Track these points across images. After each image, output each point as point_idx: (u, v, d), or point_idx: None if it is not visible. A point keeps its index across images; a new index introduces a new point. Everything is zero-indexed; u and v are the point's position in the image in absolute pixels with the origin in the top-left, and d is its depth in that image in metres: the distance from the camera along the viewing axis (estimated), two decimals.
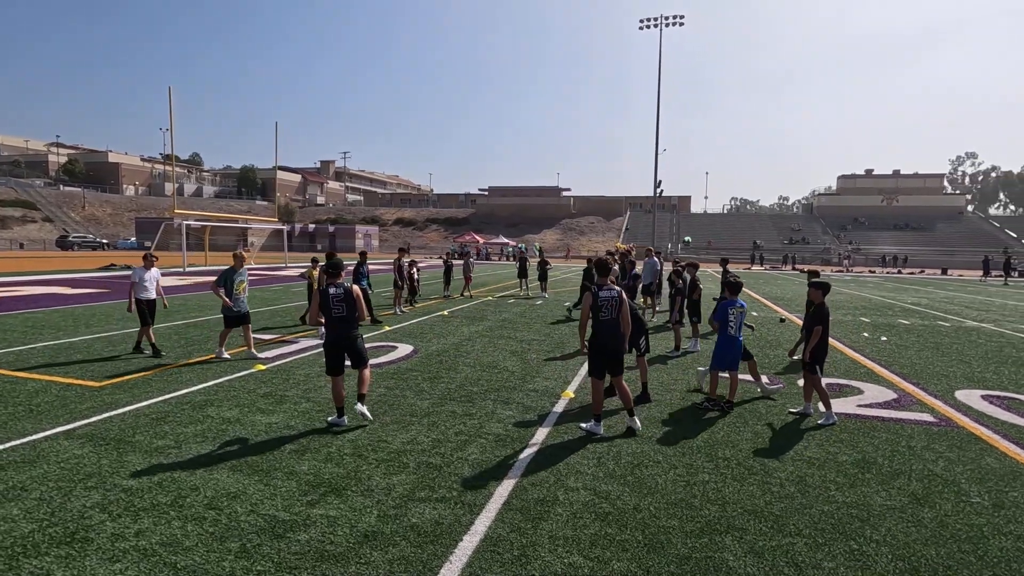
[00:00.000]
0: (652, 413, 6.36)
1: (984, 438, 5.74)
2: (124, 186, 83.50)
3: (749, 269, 47.70)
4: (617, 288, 5.79)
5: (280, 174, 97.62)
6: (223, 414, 5.97)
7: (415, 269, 15.65)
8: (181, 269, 26.78)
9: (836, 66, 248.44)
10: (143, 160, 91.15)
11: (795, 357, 9.09)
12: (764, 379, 7.46)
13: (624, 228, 76.98)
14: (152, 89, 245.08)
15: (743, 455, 5.15)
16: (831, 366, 8.87)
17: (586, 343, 5.78)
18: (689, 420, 6.15)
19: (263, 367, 8.08)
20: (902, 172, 78.48)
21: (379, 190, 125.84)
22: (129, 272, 14.93)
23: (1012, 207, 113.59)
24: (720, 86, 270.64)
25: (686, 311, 10.51)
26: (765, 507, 4.14)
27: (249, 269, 30.13)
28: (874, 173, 79.06)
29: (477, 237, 62.08)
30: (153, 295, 8.86)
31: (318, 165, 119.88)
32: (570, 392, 7.14)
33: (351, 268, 10.86)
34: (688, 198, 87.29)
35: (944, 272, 46.80)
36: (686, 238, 70.72)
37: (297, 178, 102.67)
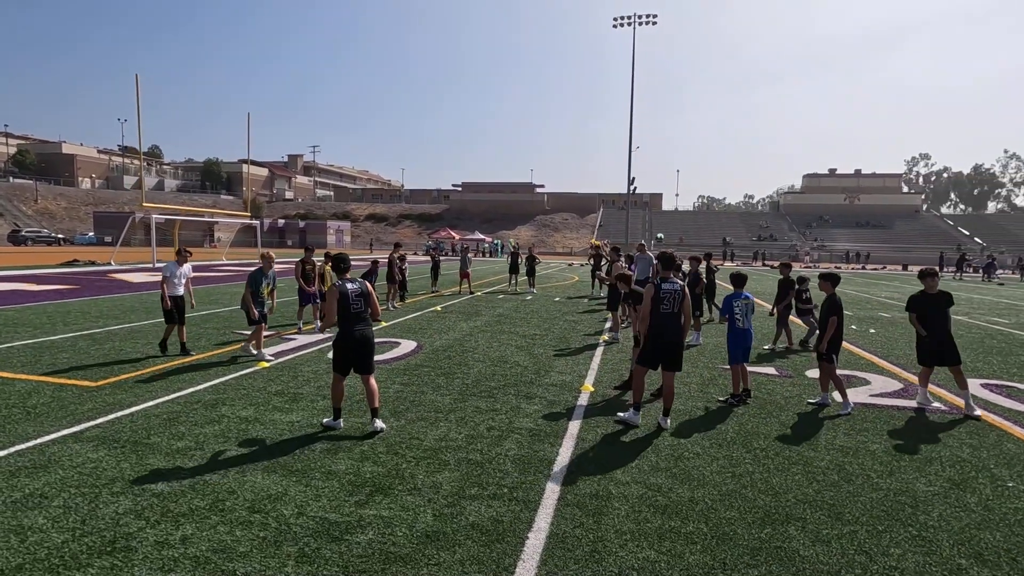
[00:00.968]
0: (673, 406, 6.36)
1: (997, 425, 5.93)
2: (79, 179, 79.73)
3: (722, 264, 48.71)
4: (680, 282, 5.76)
5: (246, 168, 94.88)
6: (238, 413, 5.70)
7: (405, 264, 15.40)
8: (150, 265, 25.70)
9: (799, 68, 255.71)
10: (100, 152, 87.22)
11: (803, 346, 9.27)
12: (773, 370, 7.56)
13: (598, 225, 77.58)
14: (107, 77, 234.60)
15: (778, 445, 5.19)
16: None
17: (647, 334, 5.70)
18: (711, 413, 6.18)
19: (267, 364, 7.78)
20: (863, 172, 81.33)
21: (349, 185, 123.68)
22: (105, 268, 14.24)
23: (962, 206, 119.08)
24: (690, 85, 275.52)
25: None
26: (816, 496, 4.17)
27: (221, 265, 29.24)
28: (837, 172, 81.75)
29: (452, 233, 61.63)
30: (182, 292, 8.36)
31: (285, 159, 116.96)
32: (589, 386, 7.09)
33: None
34: (660, 195, 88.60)
35: (905, 268, 48.72)
36: (659, 235, 71.75)
37: (264, 172, 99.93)
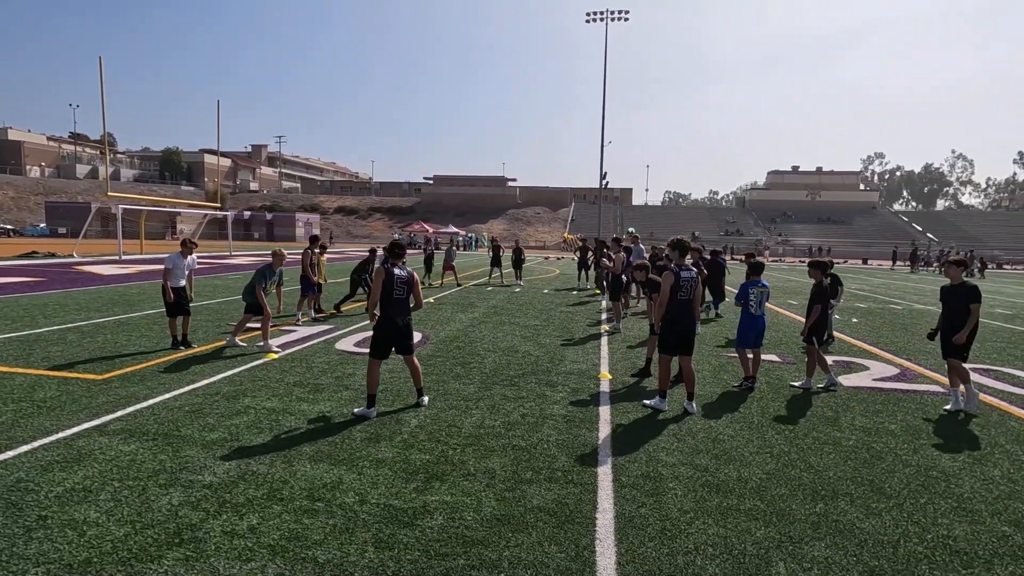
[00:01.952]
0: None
1: (996, 405, 6.29)
2: (27, 167, 75.60)
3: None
4: (695, 269, 5.88)
5: (208, 158, 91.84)
6: (264, 404, 5.57)
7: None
8: (116, 257, 24.64)
9: (762, 67, 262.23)
10: (49, 139, 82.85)
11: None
12: (775, 357, 7.81)
13: (570, 219, 78.13)
14: (57, 62, 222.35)
15: (804, 427, 5.38)
16: (833, 345, 9.43)
17: (661, 321, 5.82)
18: (729, 397, 6.35)
19: (275, 356, 7.60)
20: (824, 169, 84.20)
21: (317, 177, 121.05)
22: (68, 260, 13.68)
23: (913, 203, 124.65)
24: (660, 81, 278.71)
25: None
26: (854, 473, 4.35)
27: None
28: (800, 169, 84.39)
29: (426, 226, 61.08)
30: (183, 283, 8.05)
31: (249, 149, 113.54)
32: (607, 373, 7.18)
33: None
34: (630, 190, 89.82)
35: (865, 262, 50.81)
36: (630, 229, 72.56)
37: (227, 162, 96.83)
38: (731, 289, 11.45)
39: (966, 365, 6.09)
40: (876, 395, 6.59)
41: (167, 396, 5.72)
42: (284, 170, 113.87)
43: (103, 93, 24.17)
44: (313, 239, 10.79)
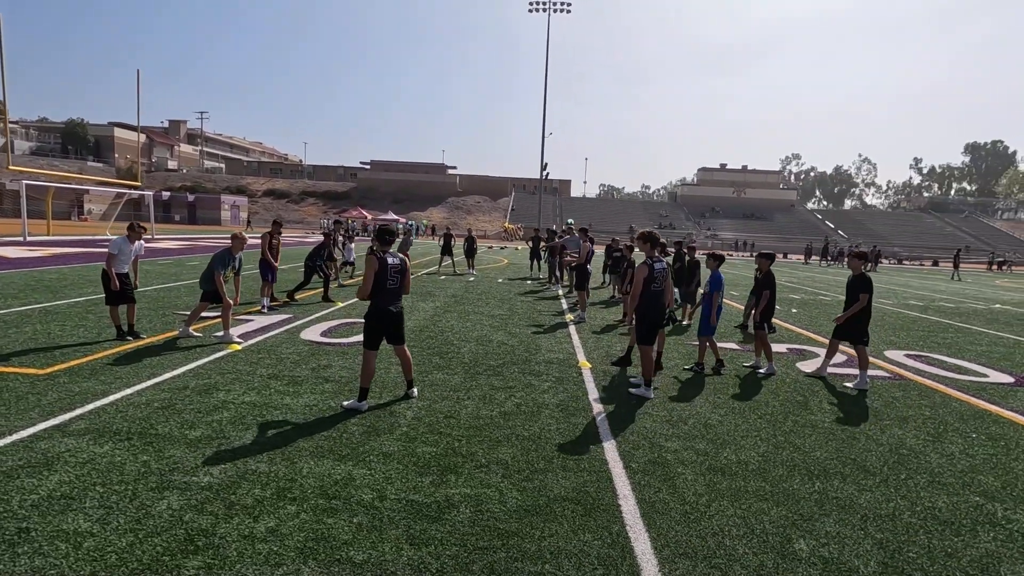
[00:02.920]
0: (668, 379, 6.74)
1: (935, 388, 6.94)
2: None
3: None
4: (666, 261, 6.03)
5: (119, 132, 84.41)
6: (241, 399, 5.22)
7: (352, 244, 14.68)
8: (21, 239, 22.20)
9: (692, 67, 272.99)
10: None
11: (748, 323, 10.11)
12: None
13: (510, 208, 78.36)
14: None
15: (780, 412, 5.70)
16: (780, 334, 10.04)
17: (634, 313, 5.95)
18: (698, 385, 6.62)
19: (238, 346, 7.14)
20: (749, 168, 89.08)
21: (243, 158, 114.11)
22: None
23: (824, 202, 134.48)
24: (598, 76, 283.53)
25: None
26: (838, 453, 4.66)
27: (107, 240, 25.79)
28: (727, 167, 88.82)
29: (365, 213, 59.26)
30: (126, 269, 7.34)
31: (166, 125, 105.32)
32: (585, 362, 7.29)
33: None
34: (568, 182, 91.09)
35: (785, 256, 54.36)
36: (569, 220, 73.87)
37: (141, 138, 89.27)
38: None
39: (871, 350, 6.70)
40: (833, 380, 7.08)
41: (129, 391, 5.24)
42: (206, 148, 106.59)
43: (2, 56, 21.48)
44: (276, 223, 10.18)
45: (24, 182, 22.39)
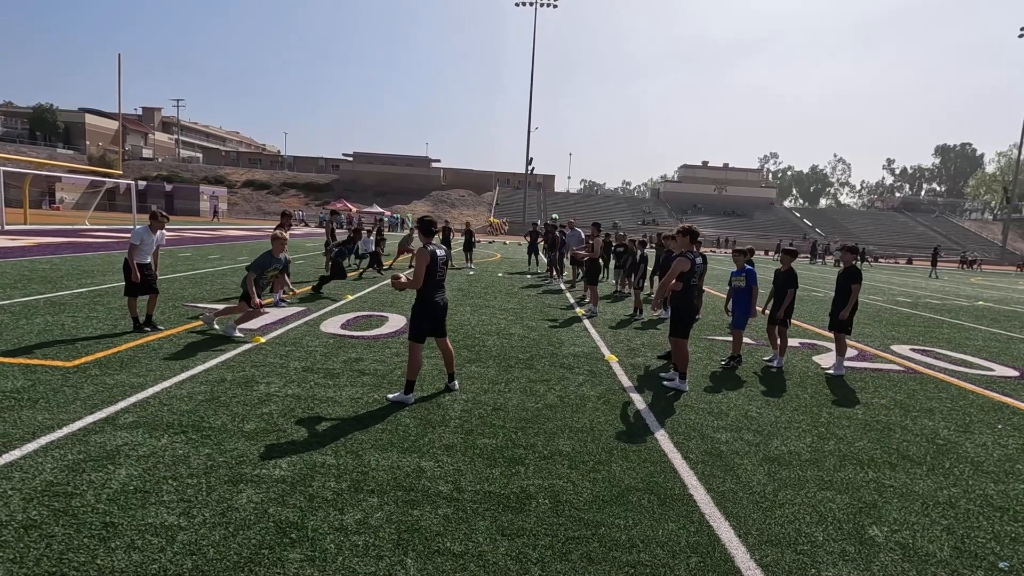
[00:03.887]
0: (695, 372, 6.85)
1: (948, 381, 7.17)
2: None
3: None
4: (703, 255, 6.11)
5: (91, 118, 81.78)
6: (284, 391, 5.15)
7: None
8: None
9: (673, 65, 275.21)
10: None
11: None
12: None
13: (495, 203, 78.22)
14: None
15: (813, 404, 5.84)
16: (790, 330, 10.25)
17: (665, 305, 6.02)
18: (719, 378, 6.74)
19: (262, 339, 7.02)
20: (731, 166, 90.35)
21: (220, 147, 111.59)
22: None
23: (801, 201, 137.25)
24: (582, 72, 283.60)
25: (640, 280, 11.29)
26: (879, 443, 4.80)
27: (86, 230, 25.06)
28: (709, 165, 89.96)
29: (349, 205, 58.50)
30: (148, 260, 7.15)
31: (139, 112, 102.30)
32: (612, 356, 7.35)
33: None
34: (552, 177, 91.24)
35: (766, 253, 55.38)
36: (553, 215, 74.03)
37: (113, 124, 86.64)
38: None
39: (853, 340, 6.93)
40: (853, 374, 7.27)
41: (167, 384, 5.12)
42: (182, 137, 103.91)
43: None
44: (285, 214, 10.00)
45: (3, 168, 21.55)
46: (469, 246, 18.95)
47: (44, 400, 4.55)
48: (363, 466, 3.77)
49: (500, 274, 17.46)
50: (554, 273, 16.48)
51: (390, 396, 5.14)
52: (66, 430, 4.02)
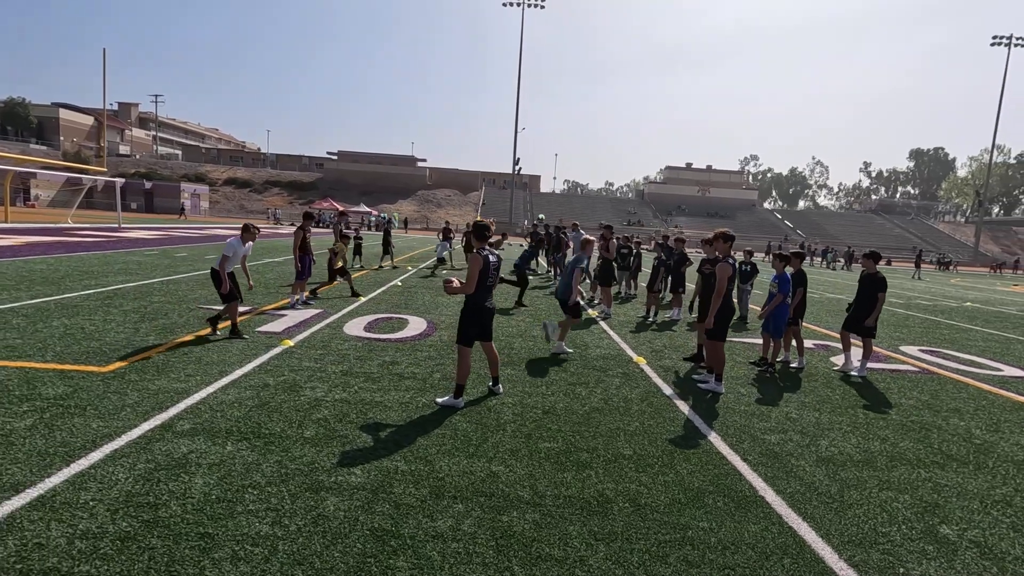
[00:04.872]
0: (726, 373, 6.95)
1: (964, 381, 7.40)
2: None
3: None
4: (738, 261, 6.21)
5: (65, 113, 79.60)
6: (331, 396, 5.10)
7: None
8: None
9: (657, 66, 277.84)
10: None
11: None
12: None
13: (481, 203, 78.08)
14: None
15: (846, 406, 5.98)
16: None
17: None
18: (750, 381, 6.86)
19: (291, 343, 6.94)
20: (714, 167, 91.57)
21: (200, 144, 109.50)
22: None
23: (780, 202, 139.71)
24: (567, 73, 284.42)
25: (664, 282, 11.40)
26: (923, 444, 4.94)
27: (71, 229, 24.36)
28: (693, 166, 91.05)
29: (336, 204, 57.84)
30: (231, 269, 7.11)
31: (115, 107, 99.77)
32: (640, 358, 7.42)
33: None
34: (538, 177, 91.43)
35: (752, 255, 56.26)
36: (540, 215, 74.22)
37: (89, 120, 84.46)
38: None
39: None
40: (872, 375, 7.45)
41: (211, 390, 5.04)
42: (160, 134, 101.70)
43: None
44: (308, 216, 9.85)
45: None
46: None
47: (92, 407, 4.44)
48: (436, 472, 3.76)
49: (502, 275, 17.44)
50: (557, 275, 16.54)
51: (439, 400, 5.13)
52: (126, 438, 3.93)
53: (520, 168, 70.41)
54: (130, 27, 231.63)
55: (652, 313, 10.70)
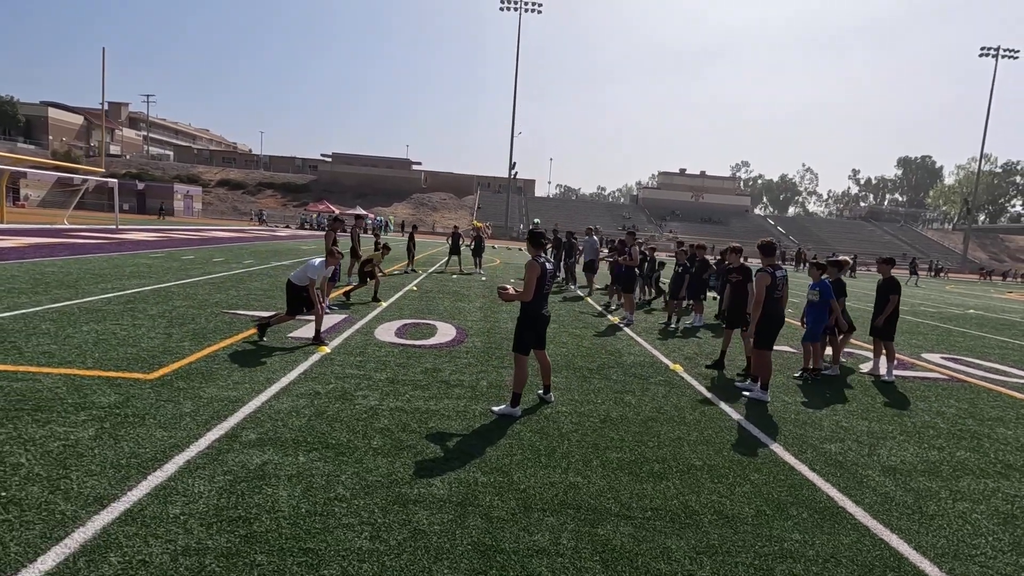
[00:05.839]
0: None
1: (994, 389, 7.47)
2: None
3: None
4: (785, 268, 6.24)
5: (54, 112, 78.55)
6: (386, 405, 5.03)
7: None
8: None
9: (650, 72, 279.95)
10: None
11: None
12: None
13: (476, 206, 78.05)
14: None
15: (890, 415, 6.00)
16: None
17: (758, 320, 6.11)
18: (789, 389, 6.88)
19: (327, 349, 6.85)
20: (707, 173, 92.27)
21: (192, 145, 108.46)
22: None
23: (771, 208, 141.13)
24: (563, 77, 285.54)
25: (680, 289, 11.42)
26: (977, 452, 4.97)
27: (68, 230, 23.95)
28: (686, 172, 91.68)
29: (332, 207, 57.51)
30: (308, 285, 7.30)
31: (105, 106, 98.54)
32: (677, 365, 7.41)
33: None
34: (533, 181, 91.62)
35: (745, 260, 56.68)
36: (535, 220, 74.38)
37: (78, 119, 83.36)
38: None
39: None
40: (903, 382, 7.51)
41: (264, 398, 4.95)
42: (151, 134, 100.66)
43: None
44: (338, 219, 9.76)
45: None
46: (479, 251, 18.87)
47: (150, 416, 4.34)
48: (515, 484, 3.71)
49: (513, 280, 17.43)
50: (569, 280, 16.52)
51: (496, 409, 5.08)
52: (194, 448, 3.84)
53: (516, 172, 70.53)
54: (115, 26, 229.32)
55: (675, 320, 10.72)
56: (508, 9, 65.61)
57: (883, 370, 7.64)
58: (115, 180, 30.81)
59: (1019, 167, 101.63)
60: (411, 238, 18.16)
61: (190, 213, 62.56)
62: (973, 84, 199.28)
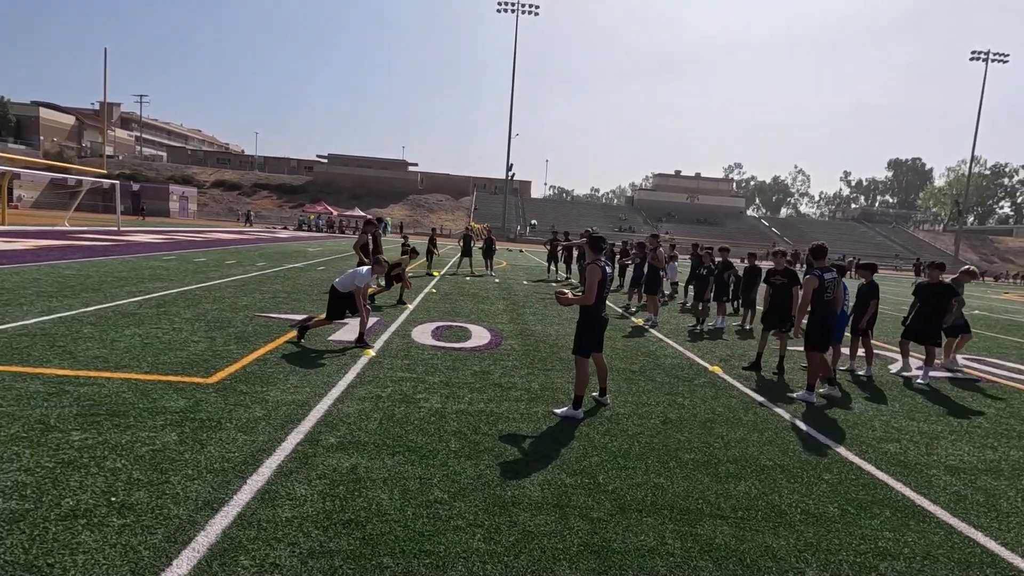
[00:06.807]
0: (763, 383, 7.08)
1: (1021, 388, 7.63)
2: None
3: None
4: (835, 270, 6.34)
5: (45, 112, 77.77)
6: (449, 407, 5.08)
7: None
8: None
9: (644, 75, 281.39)
10: None
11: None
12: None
13: (473, 208, 78.06)
14: None
15: (932, 414, 6.12)
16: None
17: (803, 324, 6.21)
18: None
19: (372, 352, 6.88)
20: (700, 175, 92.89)
21: (185, 146, 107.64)
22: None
23: (764, 210, 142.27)
24: (558, 79, 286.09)
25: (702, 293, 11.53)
26: (1017, 446, 5.10)
27: (69, 232, 23.70)
28: (681, 174, 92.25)
29: (329, 208, 57.32)
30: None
31: (96, 106, 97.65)
32: (716, 367, 7.50)
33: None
34: (529, 183, 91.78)
35: (741, 260, 57.14)
36: (532, 221, 74.54)
37: (70, 120, 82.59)
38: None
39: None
40: (938, 383, 7.64)
41: (329, 402, 4.97)
42: (144, 135, 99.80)
43: None
44: (370, 222, 9.79)
45: None
46: (489, 252, 18.92)
47: (226, 420, 4.36)
48: (602, 484, 3.77)
49: (525, 282, 17.49)
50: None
51: (558, 411, 5.14)
52: (280, 452, 3.87)
53: (514, 174, 70.63)
54: (105, 25, 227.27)
55: (700, 322, 10.82)
56: (505, 11, 65.76)
57: (914, 370, 7.78)
58: (116, 181, 30.53)
59: (1007, 169, 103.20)
60: (431, 240, 18.20)
61: (185, 214, 62.09)
62: (963, 86, 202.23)
